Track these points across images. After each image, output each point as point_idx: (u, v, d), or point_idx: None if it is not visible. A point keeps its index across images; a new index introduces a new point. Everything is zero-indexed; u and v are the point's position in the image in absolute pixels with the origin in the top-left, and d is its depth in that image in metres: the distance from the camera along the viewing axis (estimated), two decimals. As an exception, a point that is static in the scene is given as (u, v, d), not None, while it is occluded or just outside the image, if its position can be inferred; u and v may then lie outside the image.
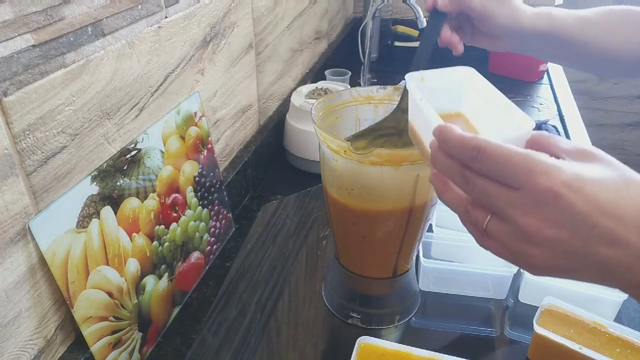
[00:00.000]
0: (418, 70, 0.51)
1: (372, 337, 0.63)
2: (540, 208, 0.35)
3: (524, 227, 0.35)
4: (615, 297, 0.70)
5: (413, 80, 0.49)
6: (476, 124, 0.48)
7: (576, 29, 0.66)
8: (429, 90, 0.48)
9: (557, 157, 0.36)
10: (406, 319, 0.73)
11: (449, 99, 0.50)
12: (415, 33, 1.76)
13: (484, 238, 0.39)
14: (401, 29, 1.79)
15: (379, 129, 0.63)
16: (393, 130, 0.63)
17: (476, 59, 1.62)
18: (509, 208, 0.36)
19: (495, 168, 0.36)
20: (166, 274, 0.70)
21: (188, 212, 0.75)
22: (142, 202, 0.65)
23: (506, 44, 0.69)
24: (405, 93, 0.60)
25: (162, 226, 0.69)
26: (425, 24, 1.23)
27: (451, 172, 0.39)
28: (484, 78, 0.48)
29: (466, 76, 0.50)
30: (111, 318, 0.60)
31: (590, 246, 0.35)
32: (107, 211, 0.59)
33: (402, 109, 0.62)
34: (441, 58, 0.64)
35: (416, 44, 1.75)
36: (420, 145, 0.47)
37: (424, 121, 0.44)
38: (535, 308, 0.68)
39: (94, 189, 0.57)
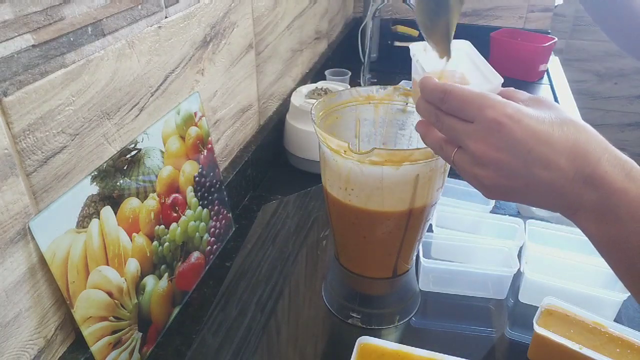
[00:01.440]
0: None
1: (372, 337, 0.63)
2: (487, 135, 0.42)
3: (474, 152, 0.43)
4: (615, 297, 0.70)
5: (416, 49, 0.56)
6: (469, 78, 0.55)
7: None
8: (430, 58, 0.54)
9: None
10: (406, 319, 0.73)
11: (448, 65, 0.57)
12: (415, 33, 1.76)
13: (455, 167, 0.46)
14: (401, 29, 1.79)
15: None
16: None
17: (476, 59, 1.62)
18: (465, 138, 0.43)
19: (457, 105, 0.44)
20: (166, 274, 0.70)
21: (188, 212, 0.75)
22: (142, 202, 0.65)
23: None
24: None
25: (162, 226, 0.69)
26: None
27: (428, 114, 0.47)
28: (476, 50, 0.56)
29: (463, 49, 0.56)
30: (111, 318, 0.60)
31: (527, 168, 0.41)
32: (107, 211, 0.59)
33: None
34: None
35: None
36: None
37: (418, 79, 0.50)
38: (535, 308, 0.68)
39: (94, 189, 0.57)
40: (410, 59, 0.55)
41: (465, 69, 0.54)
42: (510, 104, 0.42)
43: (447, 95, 0.44)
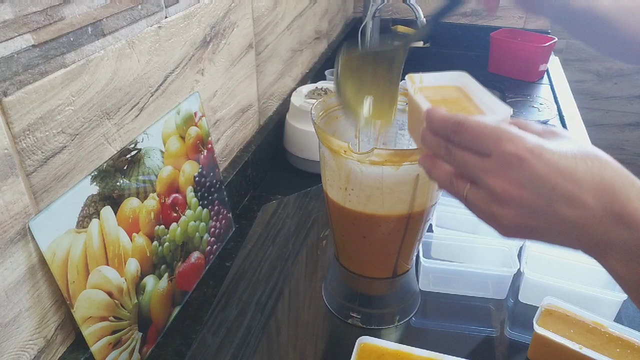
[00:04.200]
0: (437, 18, 0.56)
1: (372, 337, 0.63)
2: (507, 171, 0.39)
3: (492, 189, 0.40)
4: (615, 297, 0.70)
5: (412, 79, 0.53)
6: (473, 96, 0.52)
7: (612, 9, 0.67)
8: (426, 89, 0.52)
9: None
10: (406, 319, 0.73)
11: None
12: (415, 33, 1.75)
13: (467, 204, 0.43)
14: (401, 29, 1.79)
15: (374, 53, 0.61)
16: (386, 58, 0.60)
17: (476, 59, 1.62)
18: (481, 174, 0.41)
19: (471, 139, 0.41)
20: (166, 274, 0.70)
21: (188, 212, 0.75)
22: (142, 202, 0.65)
23: (541, 9, 0.70)
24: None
25: (162, 226, 0.69)
26: (425, 24, 1.23)
27: (437, 147, 0.44)
28: (476, 82, 0.52)
29: (460, 80, 0.54)
30: (111, 318, 0.60)
31: (551, 206, 0.38)
32: (107, 211, 0.59)
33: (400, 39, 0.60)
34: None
35: (416, 43, 1.75)
36: (415, 135, 0.51)
37: (418, 111, 0.47)
38: (535, 308, 0.68)
39: (94, 189, 0.57)
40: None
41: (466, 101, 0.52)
42: (530, 137, 0.39)
43: (460, 127, 0.41)
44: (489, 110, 0.47)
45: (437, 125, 0.43)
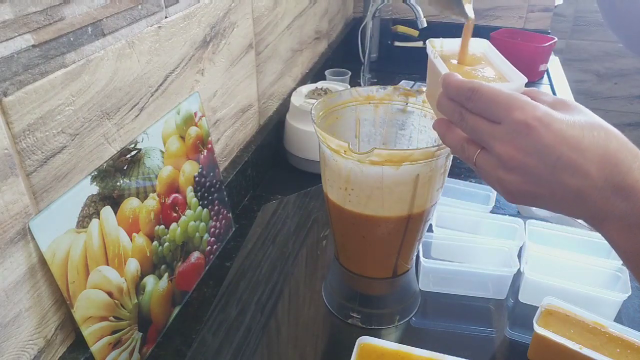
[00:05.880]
0: None
1: (372, 337, 0.63)
2: (515, 138, 0.40)
3: (500, 155, 0.41)
4: (615, 297, 0.70)
5: (432, 43, 0.54)
6: (492, 62, 0.53)
7: None
8: (447, 54, 0.54)
9: None
10: (406, 319, 0.73)
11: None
12: (416, 33, 1.75)
13: (476, 169, 0.45)
14: (401, 29, 1.79)
15: None
16: None
17: (476, 59, 1.62)
18: (491, 140, 0.42)
19: (484, 106, 0.42)
20: (166, 274, 0.70)
21: (188, 212, 0.75)
22: (142, 202, 0.65)
23: None
24: None
25: (162, 226, 0.69)
26: (425, 24, 1.23)
27: (451, 112, 0.45)
28: (495, 49, 0.54)
29: (481, 47, 0.55)
30: (111, 318, 0.60)
31: (555, 174, 0.39)
32: (107, 211, 0.59)
33: None
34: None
35: (416, 43, 1.75)
36: (432, 100, 0.53)
37: (437, 76, 0.48)
38: (535, 308, 0.68)
39: (94, 189, 0.57)
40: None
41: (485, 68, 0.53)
42: (540, 106, 0.40)
43: (475, 94, 0.42)
44: (506, 76, 0.48)
45: (453, 90, 0.44)
